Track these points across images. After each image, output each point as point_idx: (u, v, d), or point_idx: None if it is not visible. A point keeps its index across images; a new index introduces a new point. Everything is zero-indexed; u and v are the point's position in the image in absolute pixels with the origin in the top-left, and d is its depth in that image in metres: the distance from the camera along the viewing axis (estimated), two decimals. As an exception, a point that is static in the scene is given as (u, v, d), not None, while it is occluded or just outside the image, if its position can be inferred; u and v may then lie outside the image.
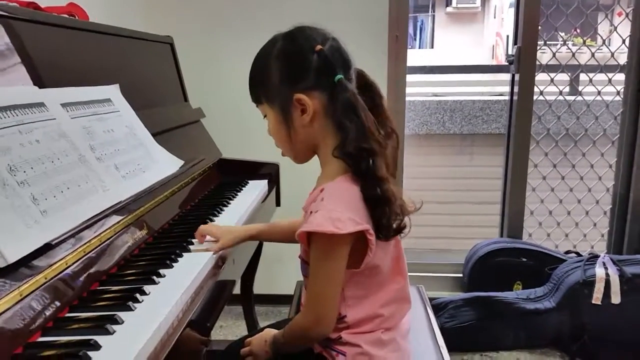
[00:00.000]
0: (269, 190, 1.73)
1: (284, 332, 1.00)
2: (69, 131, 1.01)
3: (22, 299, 0.75)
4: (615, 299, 1.96)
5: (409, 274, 1.06)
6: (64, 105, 1.04)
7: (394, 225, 0.91)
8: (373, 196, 0.88)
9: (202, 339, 1.00)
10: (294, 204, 1.81)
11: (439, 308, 2.12)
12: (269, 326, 1.16)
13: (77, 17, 1.42)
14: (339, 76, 0.90)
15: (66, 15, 1.38)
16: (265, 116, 1.00)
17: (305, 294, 1.02)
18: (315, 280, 0.92)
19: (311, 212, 0.91)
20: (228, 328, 2.32)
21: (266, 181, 1.76)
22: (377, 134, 0.90)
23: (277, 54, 0.94)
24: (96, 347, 0.71)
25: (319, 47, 0.91)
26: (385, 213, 0.89)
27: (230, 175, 1.75)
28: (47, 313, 0.78)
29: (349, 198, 0.89)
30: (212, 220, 1.31)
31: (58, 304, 0.81)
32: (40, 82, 1.04)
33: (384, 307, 0.97)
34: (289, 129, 0.95)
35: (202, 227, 1.15)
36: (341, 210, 0.87)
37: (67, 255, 0.87)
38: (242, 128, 2.24)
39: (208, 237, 1.15)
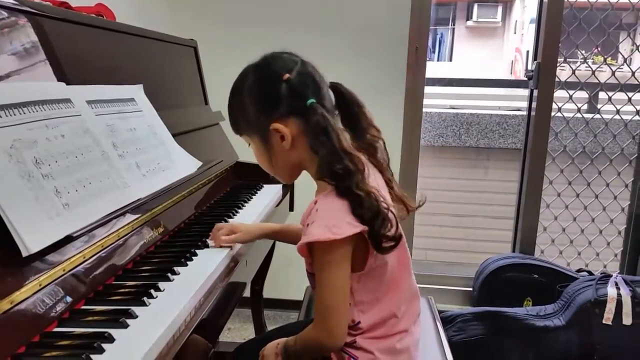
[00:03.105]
0: (283, 195, 1.75)
1: (295, 340, 0.99)
2: (93, 128, 1.04)
3: (40, 289, 0.77)
4: (627, 320, 1.94)
5: (418, 285, 1.06)
6: (89, 102, 1.07)
7: (390, 235, 0.90)
8: (361, 215, 0.88)
9: (211, 338, 1.01)
10: (307, 210, 1.81)
11: (447, 321, 2.11)
12: (278, 329, 1.17)
13: (104, 17, 1.45)
14: (311, 100, 0.93)
15: (94, 15, 1.41)
16: (249, 144, 1.04)
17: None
18: (323, 290, 0.92)
19: (307, 225, 0.92)
20: (235, 331, 2.33)
21: (281, 186, 1.77)
22: (352, 152, 0.92)
23: (249, 88, 0.98)
24: (110, 339, 0.73)
25: (286, 75, 0.94)
26: (377, 226, 0.88)
27: (245, 179, 1.78)
28: (64, 304, 0.80)
29: (342, 207, 0.90)
30: (226, 222, 1.32)
31: (75, 296, 0.83)
32: (65, 79, 1.06)
33: (396, 308, 0.98)
34: (271, 156, 0.99)
35: (218, 225, 1.17)
36: (336, 216, 0.88)
37: (85, 249, 0.89)
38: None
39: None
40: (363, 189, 0.89)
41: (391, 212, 0.91)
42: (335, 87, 0.99)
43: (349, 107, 0.99)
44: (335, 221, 0.87)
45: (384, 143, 1.01)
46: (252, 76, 0.99)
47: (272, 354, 1.03)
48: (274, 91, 0.94)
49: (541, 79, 2.28)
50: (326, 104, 0.96)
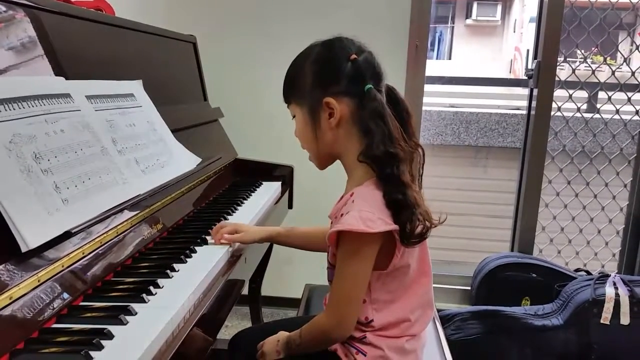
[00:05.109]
0: (282, 193, 1.74)
1: (300, 332, 1.00)
2: (92, 123, 1.03)
3: (39, 285, 0.77)
4: (625, 319, 1.94)
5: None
6: (88, 97, 1.06)
7: (417, 231, 0.91)
8: (396, 200, 0.90)
9: (210, 335, 1.00)
10: (306, 207, 1.81)
11: (445, 320, 2.11)
12: (277, 321, 1.16)
13: (103, 12, 1.44)
14: (369, 85, 0.93)
15: (93, 10, 1.40)
16: (294, 117, 1.03)
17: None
18: (341, 279, 0.93)
19: (342, 215, 0.92)
20: (233, 328, 2.33)
21: (279, 183, 1.77)
22: (402, 141, 0.92)
23: (314, 58, 0.98)
24: (109, 336, 0.72)
25: (353, 56, 0.94)
26: (407, 218, 0.89)
27: (244, 176, 1.77)
28: (63, 300, 0.80)
29: (377, 201, 0.91)
30: (225, 219, 1.32)
31: (73, 292, 0.83)
32: (63, 74, 1.06)
33: (410, 312, 0.98)
34: (315, 130, 0.98)
35: (223, 223, 1.17)
36: (372, 210, 0.89)
37: (84, 245, 0.88)
38: (258, 129, 2.26)
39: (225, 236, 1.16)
40: (403, 176, 0.90)
41: (424, 211, 0.92)
42: (390, 90, 0.99)
43: (399, 112, 0.98)
44: (370, 215, 0.88)
45: (423, 155, 1.00)
46: (319, 48, 0.99)
47: (274, 351, 1.03)
48: (338, 67, 0.95)
49: (541, 78, 2.27)
50: (382, 96, 0.96)
